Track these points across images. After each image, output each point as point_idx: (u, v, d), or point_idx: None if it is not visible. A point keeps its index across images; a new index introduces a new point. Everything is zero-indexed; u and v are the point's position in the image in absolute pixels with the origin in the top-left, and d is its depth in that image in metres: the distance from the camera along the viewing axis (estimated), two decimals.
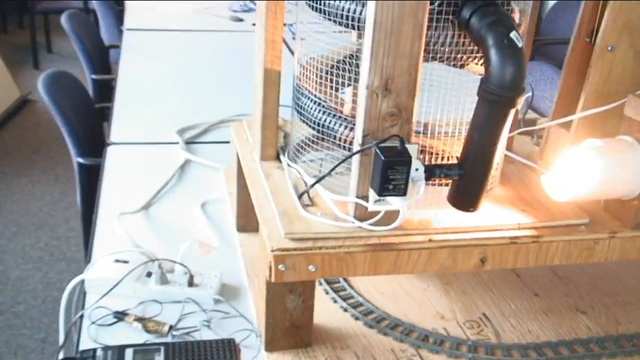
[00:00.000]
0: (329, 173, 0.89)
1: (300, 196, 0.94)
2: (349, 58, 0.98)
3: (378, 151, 0.82)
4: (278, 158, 1.11)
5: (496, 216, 0.98)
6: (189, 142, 1.68)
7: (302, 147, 1.09)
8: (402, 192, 0.83)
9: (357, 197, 0.90)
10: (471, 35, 0.85)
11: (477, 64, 0.91)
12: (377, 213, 0.90)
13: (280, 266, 0.88)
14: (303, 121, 1.02)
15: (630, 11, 1.03)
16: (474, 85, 0.87)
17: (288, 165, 1.06)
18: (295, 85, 1.05)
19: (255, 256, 1.20)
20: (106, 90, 2.68)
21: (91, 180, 1.92)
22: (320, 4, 0.93)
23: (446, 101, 0.95)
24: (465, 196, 0.92)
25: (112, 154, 1.61)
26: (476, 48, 0.89)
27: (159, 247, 1.21)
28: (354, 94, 0.94)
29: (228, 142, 1.68)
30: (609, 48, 1.05)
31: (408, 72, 0.85)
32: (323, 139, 1.03)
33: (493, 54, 0.82)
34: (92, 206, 1.40)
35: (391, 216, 0.91)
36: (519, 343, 1.05)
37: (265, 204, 0.98)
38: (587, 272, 1.24)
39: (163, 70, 2.27)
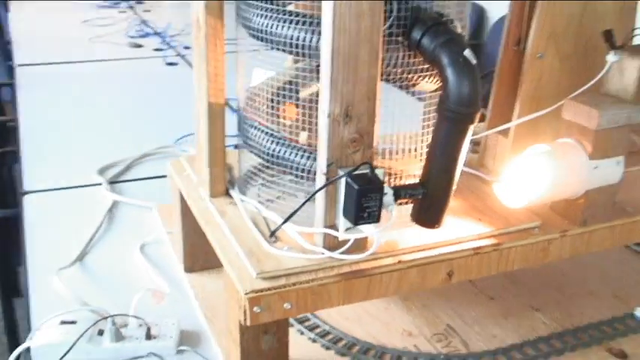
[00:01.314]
0: (299, 209, 0.87)
1: (272, 235, 0.91)
2: (289, 84, 0.97)
3: (350, 180, 0.80)
4: (227, 193, 1.07)
5: (456, 228, 0.99)
6: (113, 182, 1.60)
7: (251, 178, 1.06)
8: (376, 219, 0.82)
9: (326, 227, 0.88)
10: (424, 55, 0.86)
11: (427, 82, 0.92)
12: (346, 241, 0.89)
13: (255, 308, 0.85)
14: (254, 154, 1.00)
15: (555, 20, 1.08)
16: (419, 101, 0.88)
17: (242, 200, 1.03)
18: (241, 116, 1.02)
19: (210, 298, 1.16)
20: (1, 133, 2.51)
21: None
22: (264, 33, 0.90)
23: (395, 120, 0.95)
24: (429, 214, 0.92)
25: (29, 204, 1.51)
26: (425, 67, 0.90)
27: (105, 300, 1.14)
28: (310, 123, 0.92)
29: (155, 178, 1.62)
30: (539, 55, 1.09)
31: (367, 97, 0.84)
32: (273, 169, 1.01)
33: (450, 73, 0.83)
34: (7, 264, 1.30)
35: (360, 241, 0.90)
36: (488, 350, 1.06)
37: (227, 244, 0.94)
38: (532, 270, 1.28)
39: (68, 106, 2.16)
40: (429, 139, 0.92)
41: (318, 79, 0.94)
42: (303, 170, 0.93)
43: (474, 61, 0.83)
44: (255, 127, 0.99)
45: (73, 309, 1.08)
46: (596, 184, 1.01)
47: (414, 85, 0.91)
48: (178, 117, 2.07)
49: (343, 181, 0.82)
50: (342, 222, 0.86)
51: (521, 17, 1.14)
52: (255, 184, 1.05)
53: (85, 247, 1.31)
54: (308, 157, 0.93)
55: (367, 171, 0.82)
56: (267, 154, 0.96)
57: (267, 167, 1.02)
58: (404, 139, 0.98)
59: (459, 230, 0.99)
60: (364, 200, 0.80)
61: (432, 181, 0.89)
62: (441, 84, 0.90)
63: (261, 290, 0.85)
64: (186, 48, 2.89)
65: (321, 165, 0.86)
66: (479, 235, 0.99)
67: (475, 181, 1.14)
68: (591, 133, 0.98)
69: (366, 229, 0.85)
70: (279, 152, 0.95)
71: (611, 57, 1.01)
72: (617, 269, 1.29)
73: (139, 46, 2.97)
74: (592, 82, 1.03)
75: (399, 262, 0.92)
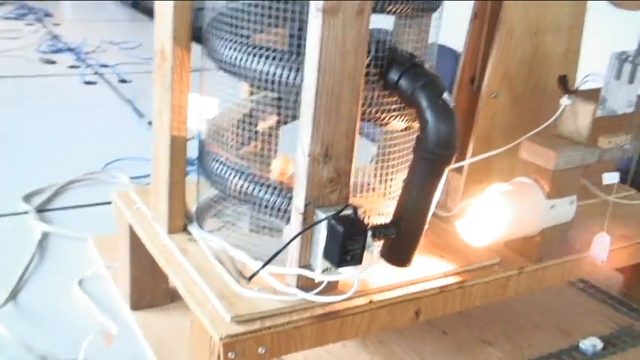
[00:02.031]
0: (278, 253, 0.84)
1: (250, 279, 0.87)
2: (249, 116, 0.95)
3: (334, 223, 0.79)
4: (186, 229, 1.03)
5: (421, 266, 0.99)
6: (41, 210, 1.50)
7: (211, 213, 1.02)
8: (359, 261, 0.81)
9: (300, 267, 0.86)
10: (402, 96, 0.86)
11: (399, 121, 0.92)
12: (320, 281, 0.87)
13: (230, 354, 0.81)
14: (217, 188, 0.96)
15: (509, 62, 1.12)
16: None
17: (203, 236, 0.99)
18: (203, 150, 0.99)
19: (160, 337, 1.10)
20: None
21: None
22: (238, 68, 0.88)
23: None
24: (400, 252, 0.92)
25: None
26: (399, 107, 0.90)
27: (50, 342, 1.06)
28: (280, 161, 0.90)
29: (86, 206, 1.54)
30: (493, 95, 1.12)
31: (347, 136, 0.83)
32: (236, 204, 0.98)
33: (429, 115, 0.83)
34: None
35: (332, 282, 0.89)
36: None
37: (193, 286, 0.90)
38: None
39: None
40: (387, 176, 0.93)
41: (280, 112, 0.93)
42: (274, 208, 0.90)
43: (451, 104, 0.84)
44: (219, 161, 0.95)
45: (18, 355, 1.00)
46: (551, 223, 1.05)
47: (385, 124, 0.91)
48: (102, 139, 1.98)
49: (324, 222, 0.81)
50: (320, 263, 0.84)
51: (476, 57, 1.17)
52: (215, 218, 1.02)
53: (17, 283, 1.22)
54: (278, 195, 0.91)
55: (350, 212, 0.80)
56: (233, 189, 0.93)
57: (230, 201, 0.98)
58: (363, 175, 0.98)
59: (424, 268, 0.99)
60: (349, 243, 0.78)
61: (406, 220, 0.89)
62: (415, 124, 0.90)
63: (237, 335, 0.81)
64: (104, 66, 2.78)
65: (298, 205, 0.84)
66: (444, 273, 0.99)
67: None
68: (549, 174, 1.02)
69: (346, 271, 0.83)
70: (245, 188, 0.92)
71: (564, 100, 1.05)
72: (556, 301, 1.34)
73: (52, 62, 2.83)
74: (546, 124, 1.07)
75: (371, 302, 0.91)
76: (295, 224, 0.85)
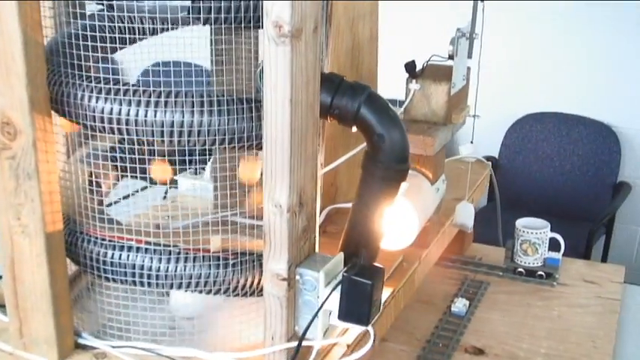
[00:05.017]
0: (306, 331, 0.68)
1: None
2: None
3: (356, 277, 0.67)
4: (78, 346, 0.77)
5: None
6: None
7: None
8: (379, 307, 0.70)
9: (289, 340, 0.72)
10: (341, 115, 0.76)
11: None
12: (309, 349, 0.74)
13: None
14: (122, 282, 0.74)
15: (339, 56, 1.08)
16: None
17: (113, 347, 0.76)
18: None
19: None
20: None
21: None
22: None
23: None
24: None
25: None
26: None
27: None
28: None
29: None
30: None
31: (312, 175, 0.71)
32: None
33: (382, 129, 0.75)
34: None
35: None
36: None
37: None
38: None
39: None
40: None
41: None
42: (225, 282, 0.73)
43: (399, 114, 0.77)
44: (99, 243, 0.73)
45: None
46: (435, 206, 1.06)
47: None
48: None
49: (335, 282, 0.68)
50: (321, 327, 0.71)
51: None
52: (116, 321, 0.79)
53: None
54: (218, 266, 0.74)
55: (359, 262, 0.69)
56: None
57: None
58: None
59: None
60: (375, 293, 0.67)
61: (367, 248, 0.80)
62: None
63: None
64: None
65: (280, 270, 0.69)
66: None
67: None
68: (431, 160, 1.02)
69: (359, 326, 0.71)
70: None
71: (413, 85, 1.06)
72: None
73: None
74: (400, 110, 1.07)
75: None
76: (275, 293, 0.70)
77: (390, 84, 1.22)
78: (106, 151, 0.82)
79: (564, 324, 1.18)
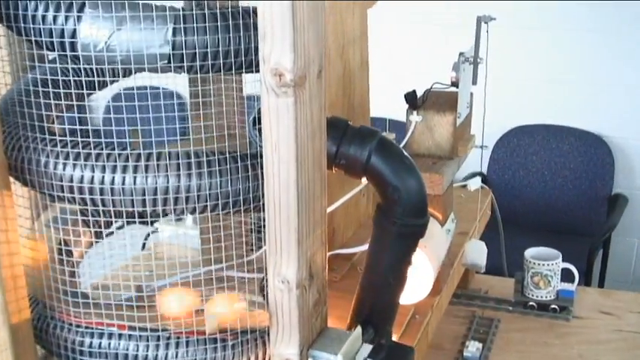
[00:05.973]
0: None
1: None
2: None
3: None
4: None
5: None
6: None
7: None
8: None
9: None
10: (349, 165, 0.66)
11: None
12: None
13: None
14: None
15: (330, 86, 0.99)
16: None
17: None
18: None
19: None
20: None
21: None
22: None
23: None
24: None
25: None
26: None
27: None
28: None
29: None
30: None
31: (321, 241, 0.61)
32: None
33: (398, 181, 0.65)
34: None
35: None
36: None
37: None
38: None
39: None
40: None
41: None
42: None
43: (414, 162, 0.68)
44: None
45: None
46: (447, 248, 0.97)
47: None
48: None
49: None
50: None
51: None
52: None
53: None
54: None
55: (382, 340, 0.59)
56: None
57: None
58: None
59: None
60: None
61: (383, 314, 0.70)
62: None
63: None
64: None
65: (290, 355, 0.59)
66: None
67: None
68: (439, 200, 0.93)
69: None
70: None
71: (415, 117, 0.97)
72: None
73: None
74: (401, 145, 0.98)
75: None
76: None
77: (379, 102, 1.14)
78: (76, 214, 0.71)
79: None
